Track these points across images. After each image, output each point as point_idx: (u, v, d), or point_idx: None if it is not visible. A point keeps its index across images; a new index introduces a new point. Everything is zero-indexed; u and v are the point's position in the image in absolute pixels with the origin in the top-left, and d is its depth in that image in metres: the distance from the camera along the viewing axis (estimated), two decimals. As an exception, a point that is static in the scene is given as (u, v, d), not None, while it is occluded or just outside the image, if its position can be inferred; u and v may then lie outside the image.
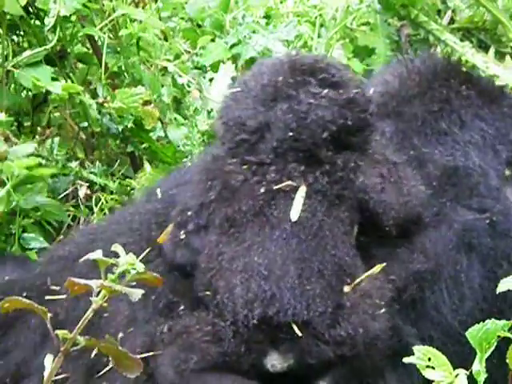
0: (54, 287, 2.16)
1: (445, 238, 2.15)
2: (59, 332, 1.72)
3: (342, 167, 2.04)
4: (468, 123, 2.33)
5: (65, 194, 3.09)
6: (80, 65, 3.31)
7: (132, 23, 3.15)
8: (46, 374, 1.78)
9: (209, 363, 1.93)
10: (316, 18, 3.61)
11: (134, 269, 1.74)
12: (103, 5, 3.12)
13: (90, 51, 3.22)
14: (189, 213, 2.10)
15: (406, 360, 1.74)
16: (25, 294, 2.04)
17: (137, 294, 1.69)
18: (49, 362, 1.79)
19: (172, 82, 3.35)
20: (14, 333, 2.18)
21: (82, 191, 3.08)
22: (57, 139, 3.16)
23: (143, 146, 3.24)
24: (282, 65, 2.12)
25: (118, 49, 3.18)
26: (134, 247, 2.03)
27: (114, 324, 2.06)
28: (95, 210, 3.07)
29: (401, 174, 2.12)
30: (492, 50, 3.67)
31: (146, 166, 3.20)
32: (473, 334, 1.69)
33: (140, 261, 1.77)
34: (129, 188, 3.17)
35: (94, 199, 3.09)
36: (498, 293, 1.86)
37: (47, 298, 2.10)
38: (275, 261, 1.94)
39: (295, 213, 1.97)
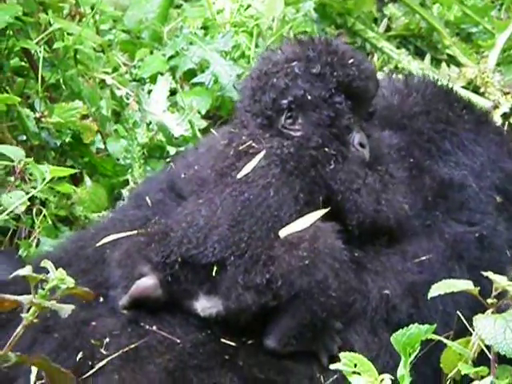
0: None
1: (438, 247, 2.20)
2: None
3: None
4: (468, 147, 2.40)
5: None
6: (17, 78, 3.28)
7: (68, 36, 3.13)
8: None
9: None
10: (253, 27, 3.63)
11: (64, 284, 1.73)
12: (39, 18, 3.10)
13: (27, 65, 3.19)
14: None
15: (332, 366, 1.76)
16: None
17: (66, 310, 1.68)
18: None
19: (110, 94, 3.34)
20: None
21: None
22: (-6, 152, 3.12)
23: (83, 159, 3.23)
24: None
25: (55, 62, 3.16)
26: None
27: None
28: (37, 222, 3.04)
29: (389, 186, 2.16)
30: (428, 57, 3.73)
31: (86, 179, 3.18)
32: (397, 338, 1.71)
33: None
34: (69, 202, 3.14)
35: (34, 212, 3.06)
36: None
37: None
38: (215, 213, 2.05)
39: (242, 172, 2.08)
